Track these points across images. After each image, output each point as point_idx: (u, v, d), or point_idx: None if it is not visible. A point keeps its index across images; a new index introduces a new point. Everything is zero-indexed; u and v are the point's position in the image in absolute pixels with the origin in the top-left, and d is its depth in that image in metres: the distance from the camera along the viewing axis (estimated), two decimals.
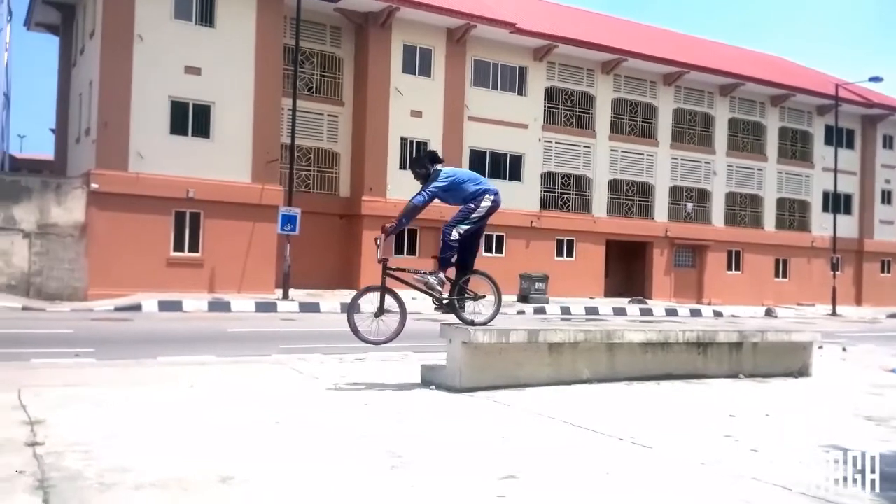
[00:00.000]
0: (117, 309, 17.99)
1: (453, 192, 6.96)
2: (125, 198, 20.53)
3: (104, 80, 21.05)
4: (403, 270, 6.97)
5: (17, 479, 3.68)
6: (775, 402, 6.97)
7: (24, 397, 5.73)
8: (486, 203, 6.89)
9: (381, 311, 6.78)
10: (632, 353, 7.67)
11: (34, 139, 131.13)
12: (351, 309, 6.80)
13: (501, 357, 6.88)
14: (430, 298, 7.04)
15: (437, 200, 6.93)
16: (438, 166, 7.01)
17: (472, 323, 6.93)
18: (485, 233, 25.70)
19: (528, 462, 4.32)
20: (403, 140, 26.68)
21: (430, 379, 7.10)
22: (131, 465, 3.96)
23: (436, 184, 6.83)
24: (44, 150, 39.91)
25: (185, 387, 6.66)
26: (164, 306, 18.68)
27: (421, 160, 7.13)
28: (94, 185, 20.33)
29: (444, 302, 7.03)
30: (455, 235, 6.83)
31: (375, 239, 6.83)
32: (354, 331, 6.71)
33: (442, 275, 6.94)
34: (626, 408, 6.34)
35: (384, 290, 6.82)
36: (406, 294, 7.03)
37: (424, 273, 6.98)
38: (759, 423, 5.88)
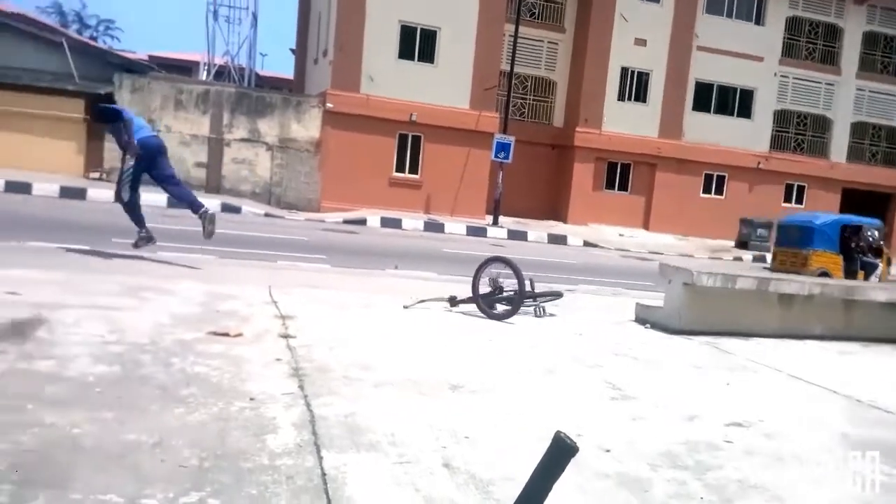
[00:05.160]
0: (345, 221, 19.38)
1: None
2: (356, 118, 21.77)
3: (342, 3, 22.14)
4: None
5: (276, 365, 4.16)
6: None
7: (275, 294, 6.39)
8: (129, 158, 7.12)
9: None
10: (872, 312, 7.06)
11: (274, 58, 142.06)
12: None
13: (725, 302, 6.63)
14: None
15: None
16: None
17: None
18: (704, 172, 23.89)
19: (756, 413, 4.17)
20: (624, 70, 25.65)
21: (646, 317, 7.02)
22: (370, 365, 4.33)
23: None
24: (283, 69, 43.00)
25: (412, 300, 7.09)
26: (386, 222, 19.83)
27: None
28: (329, 105, 21.73)
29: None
30: (126, 196, 7.18)
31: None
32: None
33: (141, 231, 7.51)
34: (863, 369, 5.90)
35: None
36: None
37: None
38: None
